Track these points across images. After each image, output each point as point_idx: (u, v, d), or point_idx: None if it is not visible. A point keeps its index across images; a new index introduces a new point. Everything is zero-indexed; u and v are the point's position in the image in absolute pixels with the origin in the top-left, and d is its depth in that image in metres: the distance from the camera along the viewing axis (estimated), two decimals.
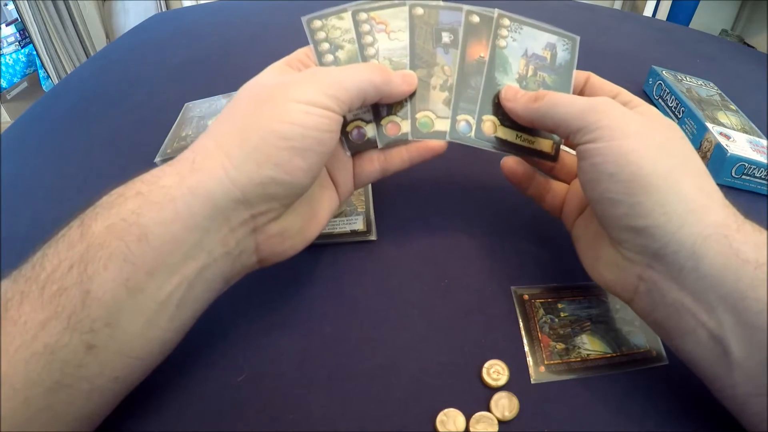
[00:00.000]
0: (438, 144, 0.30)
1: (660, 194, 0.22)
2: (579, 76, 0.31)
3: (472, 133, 0.30)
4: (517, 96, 0.29)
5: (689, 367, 0.24)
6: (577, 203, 0.30)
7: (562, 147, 0.32)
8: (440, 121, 0.30)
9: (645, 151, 0.23)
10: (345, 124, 0.29)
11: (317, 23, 0.29)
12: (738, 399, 0.22)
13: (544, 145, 0.31)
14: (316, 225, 0.28)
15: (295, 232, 0.27)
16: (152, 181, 0.23)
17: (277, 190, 0.24)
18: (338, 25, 0.30)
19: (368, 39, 0.30)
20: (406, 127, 0.30)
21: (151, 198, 0.22)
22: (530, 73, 0.31)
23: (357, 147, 0.30)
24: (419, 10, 0.30)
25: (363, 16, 0.30)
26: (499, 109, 0.30)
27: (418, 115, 0.30)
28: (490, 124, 0.30)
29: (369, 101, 0.27)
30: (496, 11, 0.31)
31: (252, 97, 0.25)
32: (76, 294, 0.20)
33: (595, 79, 0.31)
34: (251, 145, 0.23)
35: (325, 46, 0.29)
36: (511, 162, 0.32)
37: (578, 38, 0.32)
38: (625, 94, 0.28)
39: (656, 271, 0.23)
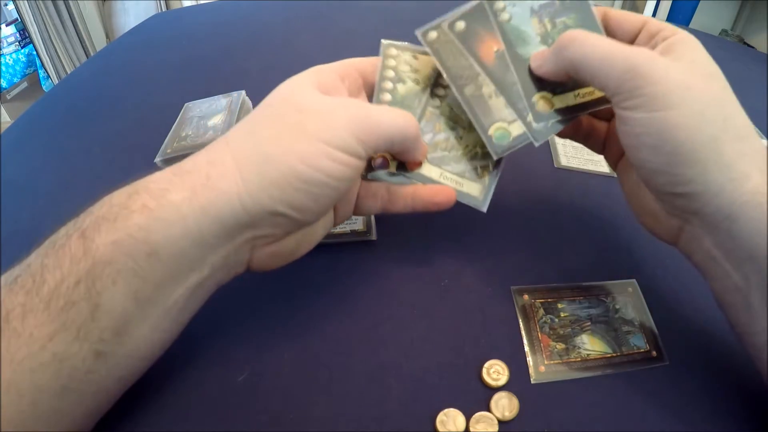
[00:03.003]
0: (446, 198, 0.29)
1: (701, 166, 0.22)
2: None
3: (535, 123, 0.28)
4: (544, 55, 0.27)
5: (719, 307, 0.25)
6: (618, 147, 0.29)
7: None
8: (513, 126, 0.29)
9: (688, 121, 0.22)
10: None
11: (393, 51, 0.30)
12: (756, 346, 0.23)
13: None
14: (307, 245, 0.28)
15: (288, 252, 0.27)
16: (159, 194, 0.22)
17: (285, 222, 0.24)
18: (410, 62, 0.30)
19: (445, 81, 0.29)
20: (428, 170, 0.30)
21: (160, 214, 0.21)
22: (549, 26, 0.28)
23: (375, 177, 0.30)
24: (432, 34, 0.29)
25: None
26: (542, 83, 0.28)
27: (490, 131, 0.29)
28: (543, 102, 0.28)
29: (392, 150, 0.28)
30: None
31: (283, 117, 0.24)
32: (85, 308, 0.20)
33: (614, 14, 0.28)
34: (269, 178, 0.23)
35: (390, 74, 0.30)
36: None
37: None
38: (653, 24, 0.26)
39: (694, 225, 0.24)
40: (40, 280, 0.20)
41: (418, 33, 0.29)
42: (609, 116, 0.31)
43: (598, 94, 0.28)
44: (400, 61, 0.30)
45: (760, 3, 1.68)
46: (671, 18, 1.66)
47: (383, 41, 0.30)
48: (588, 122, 0.31)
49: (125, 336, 0.21)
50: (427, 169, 0.30)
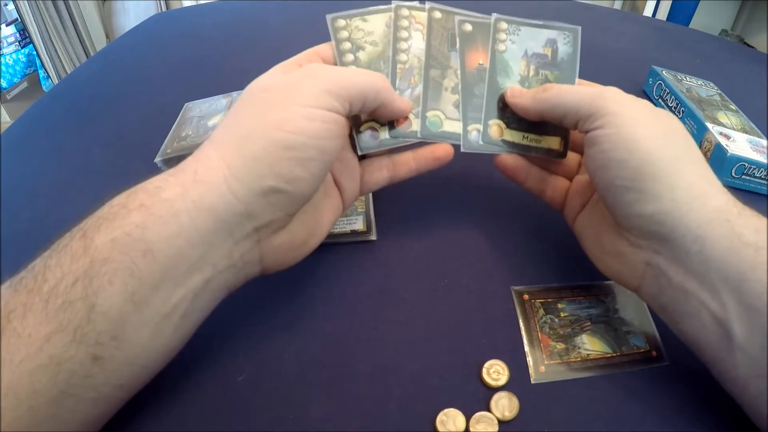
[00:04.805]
0: (444, 153, 0.31)
1: (668, 181, 0.23)
2: None
3: (480, 140, 0.31)
4: (522, 92, 0.30)
5: (693, 350, 0.25)
6: (579, 200, 0.31)
7: None
8: (449, 122, 0.30)
9: (652, 138, 0.24)
10: (358, 124, 0.29)
11: (341, 22, 0.30)
12: (739, 381, 0.23)
13: (552, 142, 0.31)
14: (319, 234, 0.28)
15: (299, 242, 0.27)
16: (154, 193, 0.22)
17: (279, 200, 0.24)
18: (362, 27, 0.30)
19: (404, 34, 0.30)
20: (417, 125, 0.30)
21: (155, 211, 0.21)
22: (532, 72, 0.31)
23: (368, 149, 0.29)
24: (437, 14, 0.31)
25: (405, 12, 0.30)
26: (504, 113, 0.31)
27: (428, 114, 0.30)
28: (496, 128, 0.31)
29: (368, 106, 0.27)
30: (494, 16, 0.31)
31: (254, 100, 0.25)
32: (82, 308, 0.20)
33: (581, 83, 0.31)
34: (252, 155, 0.23)
35: (347, 45, 0.30)
36: (503, 156, 0.32)
37: (579, 29, 0.32)
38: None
39: (663, 256, 0.24)
40: (42, 279, 0.20)
41: (427, 4, 0.31)
42: (571, 174, 0.33)
43: (545, 144, 0.31)
44: (352, 30, 0.30)
45: (760, 3, 1.68)
46: (671, 18, 1.66)
47: (328, 16, 0.30)
48: (544, 178, 0.33)
49: (123, 341, 0.21)
50: (416, 124, 0.30)
